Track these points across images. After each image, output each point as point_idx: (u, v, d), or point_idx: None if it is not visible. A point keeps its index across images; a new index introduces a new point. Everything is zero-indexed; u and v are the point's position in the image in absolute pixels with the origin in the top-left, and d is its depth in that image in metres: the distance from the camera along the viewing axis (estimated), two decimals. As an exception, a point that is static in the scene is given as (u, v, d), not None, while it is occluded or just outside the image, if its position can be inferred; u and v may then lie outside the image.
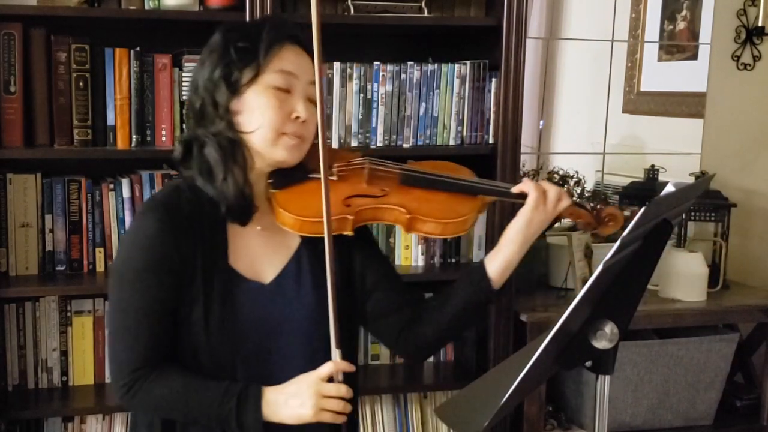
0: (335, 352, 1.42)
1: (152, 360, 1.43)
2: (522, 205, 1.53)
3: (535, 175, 2.86)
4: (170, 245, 1.43)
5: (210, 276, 1.46)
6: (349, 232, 1.50)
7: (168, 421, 1.48)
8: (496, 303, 2.42)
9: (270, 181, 1.52)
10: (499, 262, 1.52)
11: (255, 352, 1.48)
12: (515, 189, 1.56)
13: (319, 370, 1.41)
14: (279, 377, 1.45)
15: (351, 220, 1.49)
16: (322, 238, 1.46)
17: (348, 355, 1.47)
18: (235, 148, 1.46)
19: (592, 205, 1.62)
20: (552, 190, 1.52)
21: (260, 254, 1.52)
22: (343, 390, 1.40)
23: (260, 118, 1.44)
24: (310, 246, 1.54)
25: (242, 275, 1.49)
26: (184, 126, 2.32)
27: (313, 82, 1.48)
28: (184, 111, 2.30)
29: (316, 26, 1.41)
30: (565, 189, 1.55)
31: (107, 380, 2.36)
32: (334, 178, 1.55)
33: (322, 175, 1.42)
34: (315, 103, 1.47)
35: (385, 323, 1.61)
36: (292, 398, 1.40)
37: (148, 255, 1.43)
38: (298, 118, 1.45)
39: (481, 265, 1.54)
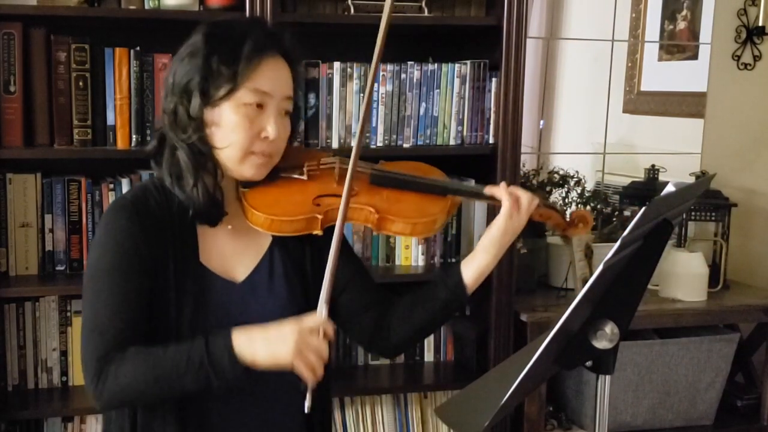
0: (323, 307, 1.38)
1: (117, 347, 1.39)
2: (493, 205, 1.54)
3: (535, 174, 2.86)
4: (140, 242, 1.43)
5: (182, 274, 1.46)
6: (318, 232, 1.50)
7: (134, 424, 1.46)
8: (496, 303, 2.43)
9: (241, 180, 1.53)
10: (474, 269, 1.56)
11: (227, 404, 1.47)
12: (487, 190, 1.57)
13: (304, 320, 1.37)
14: (252, 375, 1.43)
15: (320, 220, 1.50)
16: (292, 238, 1.49)
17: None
18: (206, 157, 1.46)
19: (561, 206, 1.63)
20: (524, 196, 1.54)
21: (231, 253, 1.53)
22: (323, 347, 1.36)
23: (230, 136, 1.44)
24: (282, 245, 1.55)
25: (214, 273, 1.49)
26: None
27: (289, 97, 1.49)
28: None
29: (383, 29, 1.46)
30: (544, 195, 1.57)
31: (107, 380, 2.36)
32: (304, 177, 1.56)
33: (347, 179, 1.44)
34: (289, 114, 1.50)
35: (357, 321, 1.62)
36: (271, 336, 1.35)
37: (117, 251, 1.42)
38: (267, 137, 1.45)
39: (456, 270, 1.56)
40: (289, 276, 1.54)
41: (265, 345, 1.35)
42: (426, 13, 2.45)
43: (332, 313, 1.45)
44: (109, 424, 1.53)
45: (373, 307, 1.62)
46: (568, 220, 1.63)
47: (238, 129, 1.44)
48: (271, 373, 1.37)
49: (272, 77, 1.46)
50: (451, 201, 1.60)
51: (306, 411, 1.37)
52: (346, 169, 1.51)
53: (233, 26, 1.51)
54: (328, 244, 1.47)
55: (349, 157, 1.47)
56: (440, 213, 1.57)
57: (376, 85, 2.39)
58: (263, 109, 1.45)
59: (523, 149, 2.48)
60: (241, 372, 1.35)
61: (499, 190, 1.55)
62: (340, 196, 1.49)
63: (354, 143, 1.46)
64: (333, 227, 1.48)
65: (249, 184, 1.52)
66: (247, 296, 1.51)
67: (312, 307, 1.41)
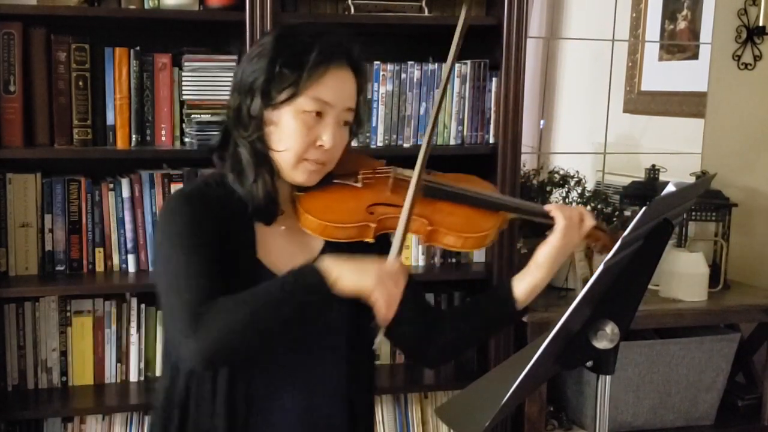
0: (396, 255, 1.41)
1: (207, 298, 1.39)
2: (543, 224, 1.54)
3: (535, 174, 2.86)
4: (205, 225, 1.44)
5: (239, 269, 1.47)
6: (370, 239, 1.51)
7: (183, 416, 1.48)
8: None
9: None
10: (526, 285, 1.55)
11: (278, 343, 1.49)
12: (540, 209, 1.57)
13: (383, 261, 1.40)
14: (305, 366, 1.50)
15: (373, 228, 1.50)
16: (345, 243, 1.50)
17: (367, 359, 1.54)
18: (265, 156, 1.49)
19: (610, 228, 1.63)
20: (575, 215, 1.53)
21: (286, 253, 1.54)
22: (399, 289, 1.38)
23: (286, 140, 1.46)
24: (334, 250, 1.55)
25: (269, 269, 1.51)
26: (184, 122, 2.32)
27: (350, 108, 1.50)
28: (185, 110, 2.31)
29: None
30: (590, 212, 1.57)
31: (107, 380, 2.36)
32: (359, 185, 1.57)
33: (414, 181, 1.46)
34: (349, 125, 1.51)
35: (403, 329, 1.61)
36: (357, 265, 1.38)
37: (187, 227, 1.43)
38: (322, 146, 1.47)
39: (508, 285, 1.57)
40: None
41: (351, 270, 1.37)
42: (426, 13, 2.45)
43: (367, 317, 1.50)
44: (155, 417, 1.55)
45: (420, 315, 1.63)
46: (614, 241, 1.61)
47: (294, 135, 1.45)
48: (315, 360, 1.44)
49: (335, 87, 1.47)
50: (503, 217, 1.59)
51: (373, 346, 1.44)
52: (401, 179, 1.55)
53: (304, 32, 1.51)
54: (378, 251, 1.50)
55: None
56: (492, 228, 1.56)
57: (375, 84, 2.39)
58: (322, 117, 1.46)
59: (523, 149, 2.48)
60: (328, 291, 1.36)
61: (554, 209, 1.54)
62: (393, 205, 1.51)
63: (420, 154, 1.49)
64: (384, 235, 1.51)
65: (303, 188, 1.53)
66: None
67: (361, 309, 1.44)
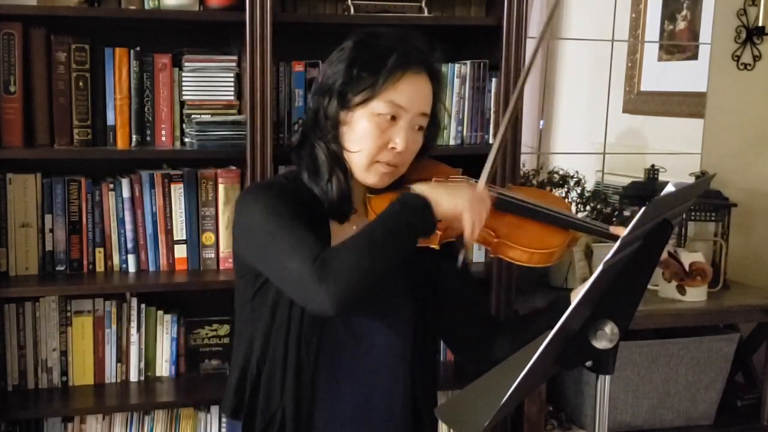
0: (484, 183, 1.53)
1: (321, 248, 1.44)
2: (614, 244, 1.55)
3: (535, 174, 2.86)
4: (291, 202, 1.51)
5: None
6: (435, 246, 1.54)
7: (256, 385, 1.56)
8: (496, 303, 2.43)
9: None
10: None
11: (343, 337, 1.57)
12: (612, 230, 1.58)
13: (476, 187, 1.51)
14: (366, 363, 1.57)
15: (439, 235, 1.52)
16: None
17: (431, 359, 1.63)
18: (339, 157, 1.54)
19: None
20: None
21: None
22: (485, 210, 1.48)
23: (359, 142, 1.51)
24: None
25: None
26: (185, 123, 2.32)
27: (425, 114, 1.55)
28: (185, 110, 2.31)
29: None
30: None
31: (107, 380, 2.36)
32: None
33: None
34: (422, 131, 1.56)
35: (461, 333, 1.69)
36: (451, 189, 1.48)
37: (273, 202, 1.50)
38: (394, 148, 1.51)
39: (566, 298, 1.60)
40: (408, 280, 1.61)
41: (446, 193, 1.46)
42: (426, 13, 2.45)
43: (439, 322, 1.63)
44: (229, 392, 1.63)
45: (478, 321, 1.69)
46: (686, 271, 1.62)
47: (367, 137, 1.51)
48: (377, 357, 1.53)
49: (411, 92, 1.51)
50: (572, 235, 1.60)
51: (459, 265, 1.54)
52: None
53: (384, 36, 1.56)
54: (444, 258, 1.58)
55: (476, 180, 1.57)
56: (559, 246, 1.57)
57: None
58: (396, 121, 1.51)
59: (522, 149, 2.47)
60: (431, 211, 1.44)
61: (621, 230, 1.55)
62: None
63: (487, 165, 1.57)
64: (449, 243, 1.54)
65: (375, 191, 1.58)
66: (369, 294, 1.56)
67: (426, 310, 1.55)
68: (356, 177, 1.56)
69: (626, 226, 1.57)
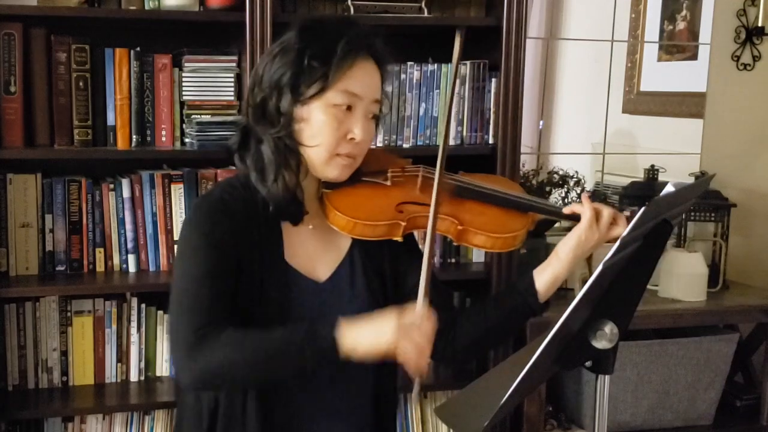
0: (422, 302, 1.38)
1: (216, 321, 1.39)
2: (573, 225, 1.54)
3: (535, 174, 2.86)
4: (228, 236, 1.44)
5: (267, 271, 1.47)
6: (398, 238, 1.51)
7: (213, 414, 1.48)
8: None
9: (323, 181, 1.54)
10: (547, 277, 1.54)
11: (304, 393, 1.50)
12: (567, 210, 1.57)
13: (405, 312, 1.37)
14: (333, 375, 1.49)
15: (402, 226, 1.51)
16: (372, 241, 1.51)
17: (392, 390, 1.55)
18: (290, 153, 1.47)
19: None
20: (606, 212, 1.52)
21: (314, 253, 1.54)
22: (424, 340, 1.34)
23: (317, 136, 1.45)
24: (362, 247, 1.56)
25: (298, 271, 1.51)
26: (184, 123, 2.32)
27: (377, 101, 1.50)
28: (185, 111, 2.31)
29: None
30: (623, 214, 1.57)
31: (107, 380, 2.36)
32: (388, 183, 1.57)
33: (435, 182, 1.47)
34: (375, 119, 1.51)
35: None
36: (373, 324, 1.36)
37: (206, 239, 1.44)
38: (353, 139, 1.46)
39: (529, 277, 1.56)
40: (369, 277, 1.56)
41: (367, 334, 1.35)
42: (426, 13, 2.45)
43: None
44: (183, 412, 1.55)
45: (441, 312, 1.57)
46: None
47: (326, 129, 1.45)
48: (339, 394, 1.44)
49: (363, 80, 1.47)
50: (531, 218, 1.60)
51: (414, 402, 1.41)
52: (430, 178, 1.54)
53: (328, 24, 1.51)
54: (405, 249, 1.53)
55: (433, 165, 1.49)
56: (521, 229, 1.56)
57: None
58: (352, 111, 1.46)
59: (522, 149, 2.48)
60: (337, 359, 1.35)
61: (581, 205, 1.54)
62: (422, 204, 1.51)
63: (439, 154, 1.50)
64: (411, 235, 1.50)
65: (331, 186, 1.52)
66: (329, 296, 1.52)
67: (390, 308, 1.43)
68: (315, 173, 1.50)
69: (594, 198, 1.58)
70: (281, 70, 1.45)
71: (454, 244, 1.58)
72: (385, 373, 1.56)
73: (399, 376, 1.59)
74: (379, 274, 1.58)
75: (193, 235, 1.46)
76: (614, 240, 1.51)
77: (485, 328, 1.58)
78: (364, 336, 1.35)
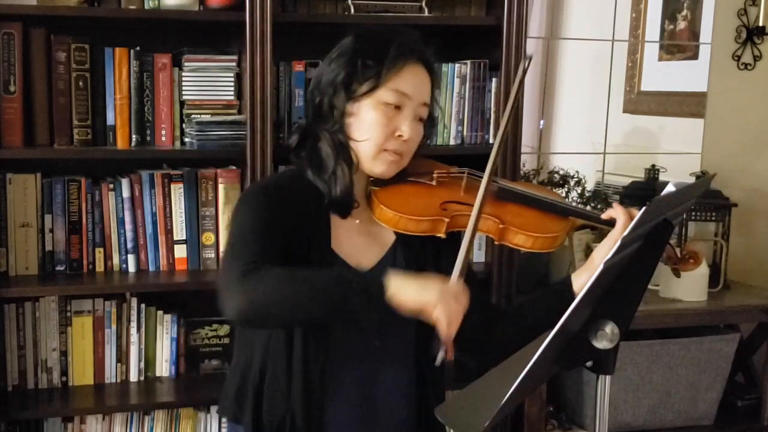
0: (457, 278, 1.45)
1: (266, 259, 1.44)
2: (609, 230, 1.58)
3: (535, 174, 2.86)
4: (279, 213, 1.52)
5: (313, 257, 1.54)
6: (441, 234, 1.58)
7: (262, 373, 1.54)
8: (497, 302, 2.42)
9: (371, 178, 1.62)
10: (584, 280, 1.58)
11: (349, 334, 1.56)
12: (605, 215, 1.61)
13: (446, 281, 1.44)
14: (370, 361, 1.56)
15: (446, 223, 1.57)
16: (415, 238, 1.59)
17: (428, 344, 1.57)
18: (345, 148, 1.56)
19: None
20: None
21: (359, 245, 1.61)
22: (460, 309, 1.41)
23: (367, 131, 1.54)
24: (405, 244, 1.63)
25: (344, 260, 1.57)
26: (184, 123, 2.32)
27: (426, 104, 1.59)
28: (185, 110, 2.31)
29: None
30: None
31: (107, 380, 2.36)
32: (433, 182, 1.65)
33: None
34: (423, 122, 1.59)
35: (464, 323, 1.63)
36: (420, 282, 1.41)
37: (261, 204, 1.53)
38: (401, 136, 1.54)
39: (567, 279, 1.61)
40: (411, 271, 1.59)
41: (413, 284, 1.40)
42: (426, 13, 2.45)
43: None
44: (227, 403, 1.62)
45: (480, 310, 1.64)
46: (680, 255, 1.65)
47: (375, 125, 1.54)
48: (381, 352, 1.51)
49: (413, 82, 1.56)
50: (571, 223, 1.65)
51: (437, 364, 1.47)
52: (474, 180, 1.62)
53: (382, 31, 1.61)
54: (448, 247, 1.59)
55: (478, 171, 1.58)
56: (561, 231, 1.62)
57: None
58: (401, 110, 1.55)
59: (522, 149, 2.48)
60: (383, 300, 1.38)
61: (615, 211, 1.58)
62: (466, 204, 1.58)
63: (490, 160, 1.56)
64: (454, 233, 1.57)
65: (379, 183, 1.60)
66: None
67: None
68: (363, 167, 1.58)
69: (594, 198, 1.63)
70: (336, 71, 1.56)
71: (495, 243, 1.62)
72: (427, 356, 1.60)
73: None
74: (420, 270, 1.62)
75: (248, 202, 1.55)
76: None
77: (524, 328, 1.63)
78: (410, 287, 1.40)
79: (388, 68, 1.52)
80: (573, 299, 1.54)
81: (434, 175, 1.66)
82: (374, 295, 1.38)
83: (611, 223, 1.58)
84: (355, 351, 1.58)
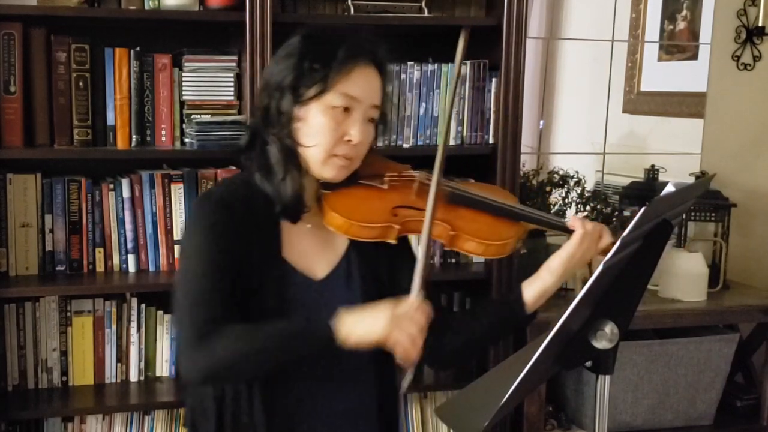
0: (416, 292, 1.43)
1: (220, 315, 1.44)
2: (564, 236, 1.57)
3: (535, 175, 2.86)
4: (228, 234, 1.48)
5: (265, 268, 1.51)
6: (392, 240, 1.55)
7: (221, 404, 1.51)
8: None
9: (322, 182, 1.57)
10: (536, 289, 1.58)
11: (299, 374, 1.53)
12: (560, 222, 1.61)
13: (399, 303, 1.41)
14: (328, 369, 1.52)
15: (396, 230, 1.54)
16: (368, 242, 1.54)
17: (387, 359, 1.52)
18: (294, 153, 1.52)
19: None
20: (596, 229, 1.56)
21: (311, 251, 1.58)
22: (416, 330, 1.39)
23: (315, 136, 1.50)
24: (358, 248, 1.59)
25: (295, 268, 1.54)
26: (184, 123, 2.32)
27: (376, 106, 1.54)
28: (185, 110, 2.31)
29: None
30: (609, 227, 1.61)
31: (107, 380, 2.36)
32: (384, 186, 1.60)
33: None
34: (373, 123, 1.55)
35: None
36: (368, 313, 1.41)
37: (208, 232, 1.48)
38: (350, 141, 1.50)
39: (518, 289, 1.59)
40: (365, 278, 1.59)
41: (361, 323, 1.39)
42: (426, 13, 2.45)
43: None
44: (192, 405, 1.57)
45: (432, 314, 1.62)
46: None
47: (323, 130, 1.49)
48: (350, 358, 1.44)
49: (362, 84, 1.51)
50: (523, 227, 1.63)
51: (402, 391, 1.46)
52: (426, 184, 1.57)
53: (330, 31, 1.57)
54: (399, 252, 1.57)
55: (433, 166, 1.52)
56: (513, 238, 1.59)
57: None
58: (350, 113, 1.50)
59: (523, 149, 2.48)
60: (334, 347, 1.39)
61: (574, 220, 1.57)
62: (417, 208, 1.54)
63: (436, 163, 1.52)
64: (405, 238, 1.54)
65: (329, 187, 1.56)
66: (325, 294, 1.55)
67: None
68: (313, 172, 1.53)
69: (589, 218, 1.62)
70: (284, 73, 1.51)
71: (445, 248, 1.60)
72: (386, 370, 1.58)
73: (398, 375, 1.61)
74: (375, 275, 1.61)
75: (195, 232, 1.50)
76: (603, 252, 1.56)
77: (472, 336, 1.62)
78: (359, 324, 1.39)
79: (336, 71, 1.47)
80: (523, 311, 1.57)
81: (386, 179, 1.61)
82: (328, 343, 1.39)
83: (566, 229, 1.57)
84: (316, 370, 1.54)
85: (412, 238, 1.68)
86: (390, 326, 1.37)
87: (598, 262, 1.46)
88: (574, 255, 1.54)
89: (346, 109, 1.49)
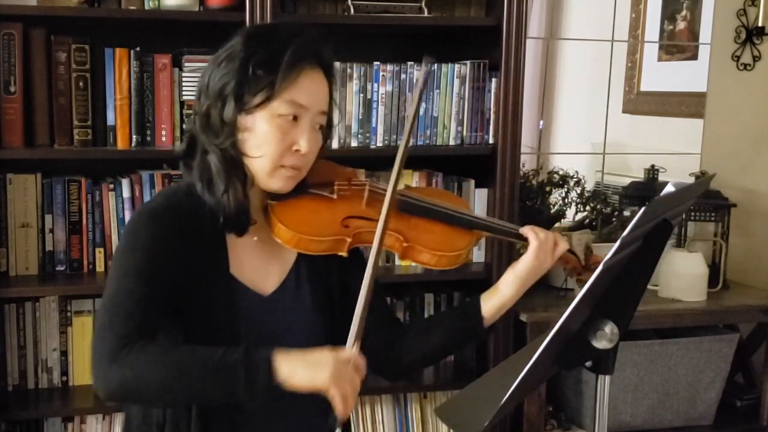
0: (354, 342, 1.35)
1: (144, 330, 1.32)
2: (517, 244, 1.56)
3: (534, 175, 2.86)
4: (169, 249, 1.39)
5: (211, 284, 1.44)
6: (343, 253, 1.49)
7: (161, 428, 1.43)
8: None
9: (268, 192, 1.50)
10: (494, 303, 1.55)
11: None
12: (514, 230, 1.58)
13: (340, 351, 1.33)
14: (276, 407, 1.44)
15: (348, 242, 1.48)
16: (318, 256, 1.48)
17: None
18: (238, 164, 1.43)
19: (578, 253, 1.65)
20: (550, 238, 1.54)
21: (259, 265, 1.50)
22: (356, 380, 1.33)
23: (261, 147, 1.41)
24: (308, 260, 1.53)
25: (243, 285, 1.47)
26: (185, 123, 2.32)
27: (324, 112, 1.46)
28: (185, 111, 2.31)
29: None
30: (564, 237, 1.60)
31: (107, 380, 2.36)
32: (334, 196, 1.53)
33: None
34: (321, 130, 1.46)
35: (368, 340, 1.51)
36: (311, 360, 1.30)
37: (145, 254, 1.38)
38: (298, 151, 1.42)
39: (476, 302, 1.56)
40: (316, 291, 1.53)
41: (304, 367, 1.30)
42: (426, 13, 2.45)
43: (343, 330, 1.41)
44: (130, 425, 1.50)
45: (385, 328, 1.59)
46: (584, 264, 1.63)
47: (270, 140, 1.40)
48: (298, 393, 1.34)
49: (310, 90, 1.42)
50: (477, 235, 1.59)
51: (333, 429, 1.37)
52: (376, 192, 1.51)
53: (275, 32, 1.46)
54: (351, 262, 1.50)
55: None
56: (466, 248, 1.56)
57: (375, 85, 2.39)
58: (297, 121, 1.42)
59: (522, 149, 2.48)
60: (273, 387, 1.28)
61: (527, 230, 1.55)
62: (368, 219, 1.49)
63: (393, 171, 1.46)
64: (356, 249, 1.49)
65: (276, 197, 1.48)
66: (274, 309, 1.49)
67: (337, 323, 1.43)
68: (259, 183, 1.44)
69: (541, 227, 1.58)
70: (225, 78, 1.40)
71: (399, 260, 1.55)
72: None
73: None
74: (325, 287, 1.55)
75: (128, 242, 1.40)
76: (560, 261, 1.57)
77: (429, 348, 1.59)
78: (300, 371, 1.29)
79: (282, 77, 1.37)
80: (481, 325, 1.54)
81: (335, 187, 1.53)
82: (262, 383, 1.28)
83: (521, 237, 1.55)
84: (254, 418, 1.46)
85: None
86: (331, 378, 1.28)
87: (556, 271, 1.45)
88: (531, 267, 1.53)
89: (294, 118, 1.41)
